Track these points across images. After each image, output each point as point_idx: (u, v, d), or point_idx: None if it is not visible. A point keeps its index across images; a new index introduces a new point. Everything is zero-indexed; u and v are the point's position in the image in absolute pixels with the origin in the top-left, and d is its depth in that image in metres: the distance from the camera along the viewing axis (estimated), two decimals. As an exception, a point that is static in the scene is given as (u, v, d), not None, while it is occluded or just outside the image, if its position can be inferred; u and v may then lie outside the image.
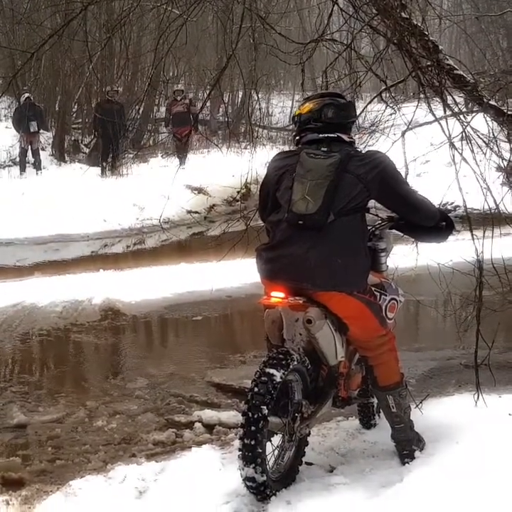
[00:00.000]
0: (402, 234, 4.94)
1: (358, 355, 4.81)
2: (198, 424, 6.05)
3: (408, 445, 4.69)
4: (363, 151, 4.67)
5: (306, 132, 4.57)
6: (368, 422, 5.38)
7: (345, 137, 4.52)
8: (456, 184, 5.49)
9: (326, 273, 4.29)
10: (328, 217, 4.27)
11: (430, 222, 4.63)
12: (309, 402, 4.50)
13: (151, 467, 4.96)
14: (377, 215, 4.92)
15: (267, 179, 4.65)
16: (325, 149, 4.40)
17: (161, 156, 20.17)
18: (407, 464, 4.63)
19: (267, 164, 4.70)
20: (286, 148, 16.61)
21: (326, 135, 4.48)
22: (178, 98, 19.67)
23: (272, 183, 4.57)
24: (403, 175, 4.98)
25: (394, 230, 4.91)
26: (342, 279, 4.31)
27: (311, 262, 4.28)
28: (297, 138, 4.64)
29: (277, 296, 4.39)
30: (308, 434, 4.62)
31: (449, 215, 4.77)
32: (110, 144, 19.11)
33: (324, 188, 4.29)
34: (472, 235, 5.34)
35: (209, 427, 6.02)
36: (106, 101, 19.43)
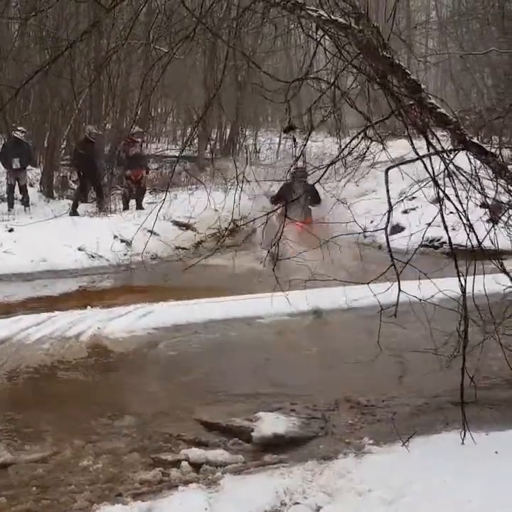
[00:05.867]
0: None
1: None
2: (184, 463, 6.00)
3: None
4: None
5: None
6: None
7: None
8: (441, 220, 5.56)
9: None
10: None
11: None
12: None
13: (137, 507, 4.93)
14: None
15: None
16: None
17: (149, 192, 20.11)
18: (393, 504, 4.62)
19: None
20: (276, 185, 16.69)
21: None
22: (139, 140, 19.45)
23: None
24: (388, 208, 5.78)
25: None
26: None
27: None
28: None
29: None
30: None
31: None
32: (92, 184, 19.02)
33: None
34: (458, 272, 5.41)
35: (196, 466, 5.98)
36: (85, 141, 19.00)
